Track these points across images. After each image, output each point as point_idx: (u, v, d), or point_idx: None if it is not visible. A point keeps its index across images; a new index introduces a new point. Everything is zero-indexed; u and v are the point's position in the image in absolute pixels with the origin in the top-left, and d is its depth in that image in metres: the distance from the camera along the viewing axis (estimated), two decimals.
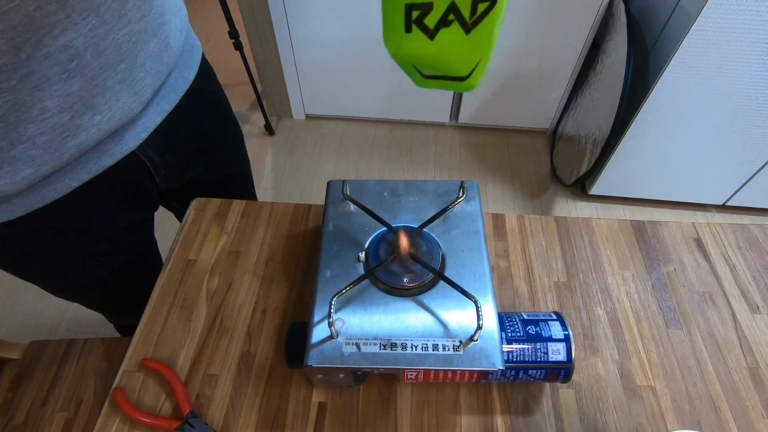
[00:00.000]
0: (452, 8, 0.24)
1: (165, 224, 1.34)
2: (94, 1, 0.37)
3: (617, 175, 1.44)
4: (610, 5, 1.34)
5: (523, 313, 0.45)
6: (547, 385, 0.46)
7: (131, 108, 0.45)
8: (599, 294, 0.53)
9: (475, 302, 0.40)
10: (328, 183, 0.52)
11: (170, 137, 0.54)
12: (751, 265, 0.55)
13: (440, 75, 0.29)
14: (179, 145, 0.57)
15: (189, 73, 0.55)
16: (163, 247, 0.66)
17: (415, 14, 0.25)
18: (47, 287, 0.59)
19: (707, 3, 0.99)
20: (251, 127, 1.80)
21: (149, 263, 0.64)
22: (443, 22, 0.25)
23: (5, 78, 0.35)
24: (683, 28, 1.07)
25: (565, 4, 1.34)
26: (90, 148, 0.44)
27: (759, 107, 1.18)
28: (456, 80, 0.29)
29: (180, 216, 0.71)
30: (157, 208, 0.63)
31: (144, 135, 0.50)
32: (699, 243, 0.58)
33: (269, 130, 1.77)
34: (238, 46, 1.48)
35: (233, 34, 1.45)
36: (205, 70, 0.59)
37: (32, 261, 0.52)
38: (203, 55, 0.59)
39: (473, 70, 0.28)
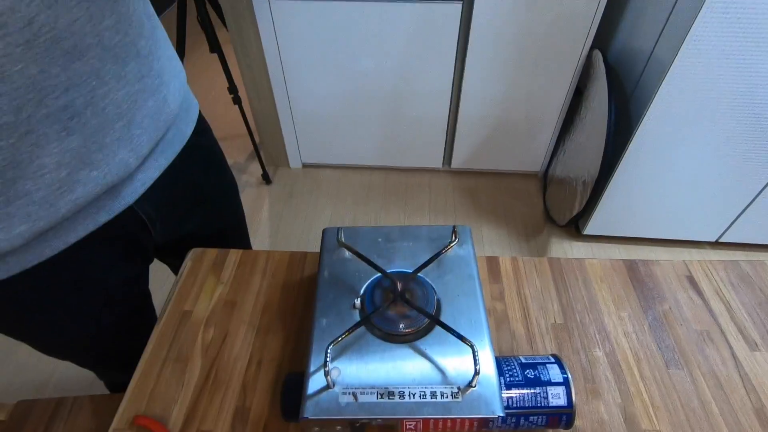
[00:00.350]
0: None
1: (160, 275, 1.33)
2: (95, 65, 0.38)
3: (610, 215, 1.46)
4: (589, 56, 1.42)
5: (521, 357, 0.45)
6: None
7: (128, 163, 0.46)
8: (597, 335, 0.53)
9: (472, 347, 0.40)
10: (324, 230, 0.53)
11: (167, 192, 0.55)
12: (745, 302, 0.56)
13: None
14: (175, 199, 0.58)
15: (186, 130, 0.57)
16: (158, 299, 0.65)
17: None
18: (38, 346, 0.58)
19: (679, 52, 1.05)
20: (249, 177, 1.84)
21: (143, 317, 0.63)
22: None
23: (5, 136, 0.35)
24: (659, 75, 1.13)
25: (547, 54, 1.42)
26: (86, 204, 0.45)
27: (738, 147, 1.22)
28: None
29: (175, 269, 0.71)
30: (151, 261, 0.64)
31: (141, 190, 0.51)
32: (692, 281, 0.58)
33: (266, 179, 1.80)
34: (236, 100, 1.54)
35: (232, 89, 1.51)
36: (202, 127, 0.61)
37: (25, 320, 0.51)
38: (200, 112, 0.61)
39: None
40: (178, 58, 0.55)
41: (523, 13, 1.33)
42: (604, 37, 1.46)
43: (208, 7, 1.39)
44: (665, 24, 1.12)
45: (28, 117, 0.35)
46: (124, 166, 0.46)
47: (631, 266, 0.60)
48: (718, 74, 1.08)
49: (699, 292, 0.57)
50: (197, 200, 0.62)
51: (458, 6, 1.35)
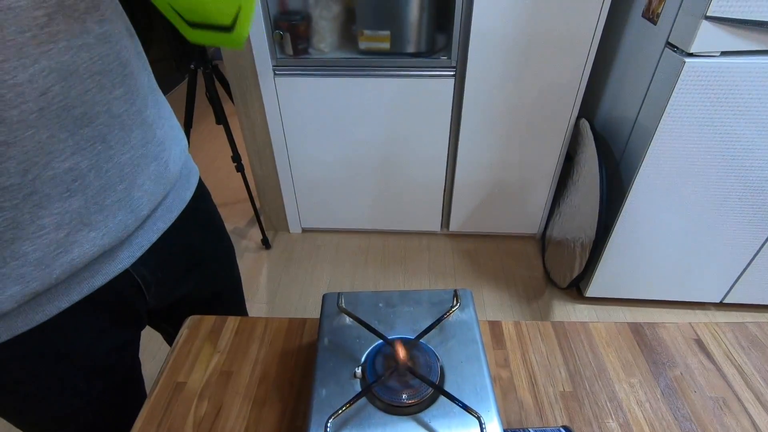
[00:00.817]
0: None
1: (152, 344, 1.30)
2: (102, 131, 0.40)
3: (610, 277, 1.45)
4: (577, 124, 1.50)
5: (530, 429, 0.42)
6: None
7: (127, 225, 0.46)
8: (608, 404, 0.50)
9: (479, 419, 0.38)
10: (324, 296, 0.52)
11: (163, 255, 0.55)
12: (757, 365, 0.54)
13: (204, 23, 0.27)
14: (172, 262, 0.57)
15: (185, 195, 0.58)
16: (152, 369, 0.63)
17: None
18: (16, 421, 0.54)
19: (661, 120, 1.11)
20: (248, 242, 1.85)
21: (131, 390, 0.60)
22: None
23: (9, 197, 0.35)
24: (644, 141, 1.18)
25: (536, 123, 1.50)
26: (82, 267, 0.44)
27: (731, 209, 1.25)
28: (222, 30, 0.27)
29: (167, 336, 0.70)
30: (143, 327, 0.62)
31: (138, 254, 0.50)
32: (701, 344, 0.57)
33: (266, 244, 1.81)
34: (239, 168, 1.59)
35: (236, 158, 1.57)
36: (201, 192, 0.63)
37: (6, 393, 0.48)
38: (200, 178, 0.63)
39: (236, 18, 0.26)
40: (180, 128, 0.57)
41: (512, 85, 1.42)
42: (590, 106, 1.55)
43: (217, 83, 1.48)
44: (646, 93, 1.19)
45: (34, 179, 0.36)
46: (122, 228, 0.46)
47: (637, 329, 0.58)
48: (701, 141, 1.13)
49: (709, 356, 0.55)
50: (193, 263, 0.62)
51: (451, 80, 1.44)
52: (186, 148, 0.58)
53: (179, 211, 0.56)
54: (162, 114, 0.50)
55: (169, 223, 0.54)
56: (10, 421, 0.53)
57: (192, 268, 0.62)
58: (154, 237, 0.52)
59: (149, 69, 0.49)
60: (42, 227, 0.39)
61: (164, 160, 0.50)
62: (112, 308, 0.51)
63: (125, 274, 0.50)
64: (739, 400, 0.51)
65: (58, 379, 0.50)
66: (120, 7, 0.43)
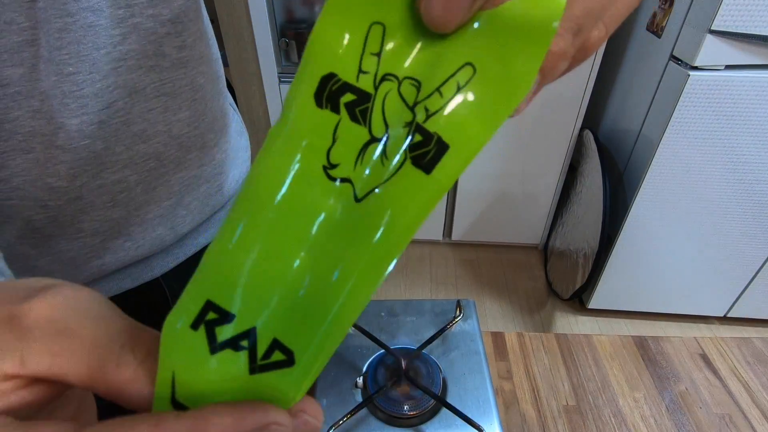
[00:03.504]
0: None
1: None
2: (158, 149, 0.39)
3: (613, 289, 1.44)
4: (580, 135, 1.50)
5: None
6: None
7: (164, 240, 0.45)
8: (612, 419, 0.50)
9: None
10: None
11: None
12: (764, 382, 0.53)
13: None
14: None
15: None
16: None
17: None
18: None
19: (665, 132, 1.11)
20: None
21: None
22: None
23: (54, 197, 0.35)
24: (648, 153, 1.18)
25: (540, 134, 1.50)
26: (112, 272, 0.43)
27: (735, 222, 1.24)
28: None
29: None
30: None
31: (172, 264, 0.48)
32: (706, 359, 0.56)
33: None
34: None
35: None
36: None
37: None
38: None
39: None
40: (249, 149, 0.54)
41: None
42: (594, 117, 1.55)
43: None
44: (650, 105, 1.19)
45: (81, 185, 0.36)
46: (159, 242, 0.45)
47: (641, 343, 0.58)
48: (706, 153, 1.13)
49: (714, 372, 0.55)
50: None
51: None
52: (247, 169, 0.55)
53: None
54: (227, 137, 0.48)
55: (210, 239, 0.51)
56: None
57: None
58: (193, 251, 0.50)
59: (225, 92, 0.47)
60: (80, 230, 0.38)
61: (218, 184, 0.48)
62: (134, 313, 0.49)
63: (155, 282, 0.48)
64: (745, 417, 0.50)
65: None
66: (211, 32, 0.42)
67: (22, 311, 0.15)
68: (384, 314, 0.50)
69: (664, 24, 1.14)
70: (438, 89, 0.14)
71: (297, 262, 0.15)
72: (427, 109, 0.14)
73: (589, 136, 1.43)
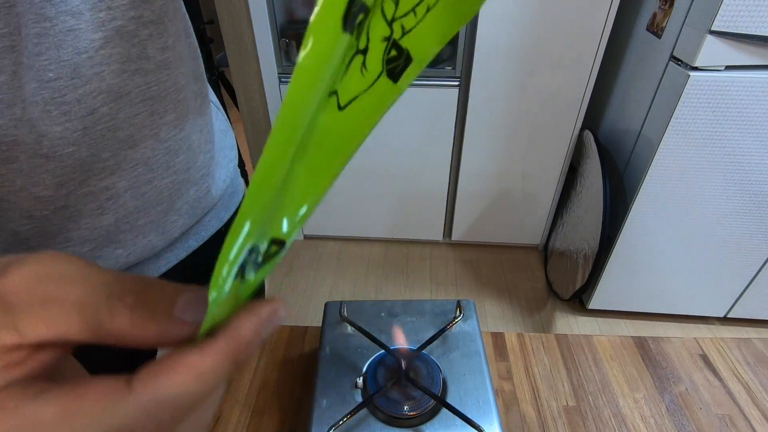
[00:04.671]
0: None
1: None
2: (146, 154, 0.39)
3: (613, 289, 1.44)
4: (580, 135, 1.50)
5: None
6: None
7: (155, 246, 0.45)
8: (612, 419, 0.50)
9: None
10: (326, 304, 0.52)
11: (190, 272, 0.52)
12: (764, 382, 0.53)
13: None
14: (197, 279, 0.55)
15: (225, 216, 0.54)
16: None
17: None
18: None
19: (665, 133, 1.11)
20: None
21: None
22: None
23: (40, 207, 0.35)
24: (649, 154, 1.18)
25: (540, 134, 1.50)
26: None
27: (736, 224, 1.24)
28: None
29: None
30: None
31: (164, 269, 0.48)
32: (706, 359, 0.56)
33: None
34: (243, 174, 1.60)
35: (240, 164, 1.57)
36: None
37: None
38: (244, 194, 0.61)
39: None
40: (234, 146, 0.54)
41: (515, 96, 1.43)
42: (594, 117, 1.55)
43: (222, 90, 1.49)
44: (650, 105, 1.19)
45: (68, 194, 0.35)
46: (150, 248, 0.44)
47: (641, 344, 0.58)
48: (706, 154, 1.13)
49: (715, 372, 0.55)
50: None
51: (455, 90, 1.45)
52: (234, 168, 0.55)
53: (215, 230, 0.53)
54: (210, 137, 0.48)
55: (201, 242, 0.51)
56: None
57: None
58: (184, 254, 0.50)
59: (204, 91, 0.46)
60: (69, 239, 0.38)
61: (206, 185, 0.48)
62: None
63: None
64: (745, 418, 0.50)
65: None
66: (189, 28, 0.41)
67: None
68: (384, 314, 0.50)
69: (664, 24, 1.14)
70: (413, 9, 0.17)
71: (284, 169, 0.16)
72: (403, 27, 0.16)
73: (589, 136, 1.43)
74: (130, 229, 0.41)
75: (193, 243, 0.50)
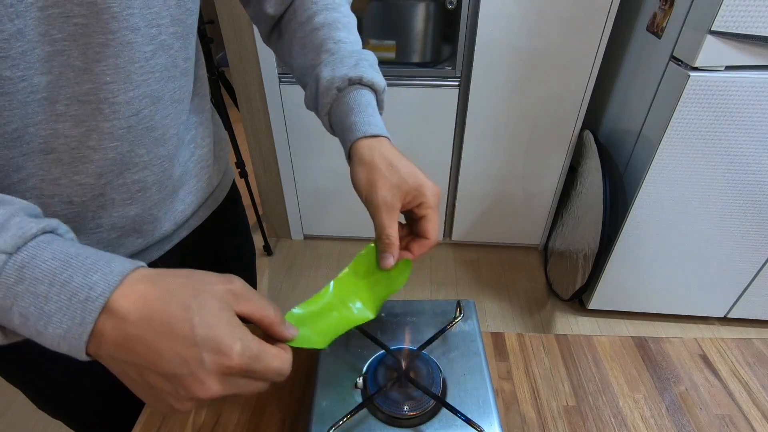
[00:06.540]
0: None
1: None
2: (172, 151, 0.44)
3: (613, 290, 1.44)
4: (581, 136, 1.50)
5: None
6: None
7: (166, 232, 0.50)
8: (613, 419, 0.50)
9: None
10: None
11: (191, 251, 0.57)
12: (764, 383, 0.53)
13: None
14: (198, 259, 0.59)
15: (220, 197, 0.61)
16: None
17: None
18: (39, 397, 0.55)
19: (665, 133, 1.11)
20: None
21: None
22: None
23: (79, 193, 0.39)
24: (649, 154, 1.18)
25: (540, 134, 1.50)
26: None
27: (736, 224, 1.24)
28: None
29: None
30: None
31: (168, 247, 0.53)
32: (706, 360, 0.56)
33: (268, 251, 1.80)
34: (243, 174, 1.60)
35: (239, 164, 1.57)
36: (233, 194, 0.66)
37: (41, 368, 0.50)
38: (233, 181, 0.66)
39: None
40: (228, 140, 0.61)
41: (516, 96, 1.43)
42: (594, 117, 1.55)
43: (223, 90, 1.49)
44: (650, 106, 1.19)
45: (105, 183, 0.40)
46: (164, 236, 0.50)
47: (641, 344, 0.58)
48: (706, 154, 1.13)
49: (715, 372, 0.55)
50: (217, 261, 0.64)
51: (455, 90, 1.45)
52: (226, 156, 0.61)
53: (210, 212, 0.59)
54: (206, 132, 0.53)
55: (200, 221, 0.57)
56: (33, 395, 0.55)
57: (215, 265, 0.64)
58: (185, 233, 0.55)
59: (203, 91, 0.52)
60: (99, 225, 0.42)
61: (209, 175, 0.54)
62: None
63: (150, 265, 0.52)
64: (745, 418, 0.50)
65: (72, 361, 0.51)
66: (195, 34, 0.47)
67: (232, 287, 0.30)
68: (384, 314, 0.50)
69: (664, 24, 1.14)
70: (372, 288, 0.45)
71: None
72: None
73: (589, 136, 1.43)
74: (151, 220, 0.47)
75: (194, 223, 0.56)
